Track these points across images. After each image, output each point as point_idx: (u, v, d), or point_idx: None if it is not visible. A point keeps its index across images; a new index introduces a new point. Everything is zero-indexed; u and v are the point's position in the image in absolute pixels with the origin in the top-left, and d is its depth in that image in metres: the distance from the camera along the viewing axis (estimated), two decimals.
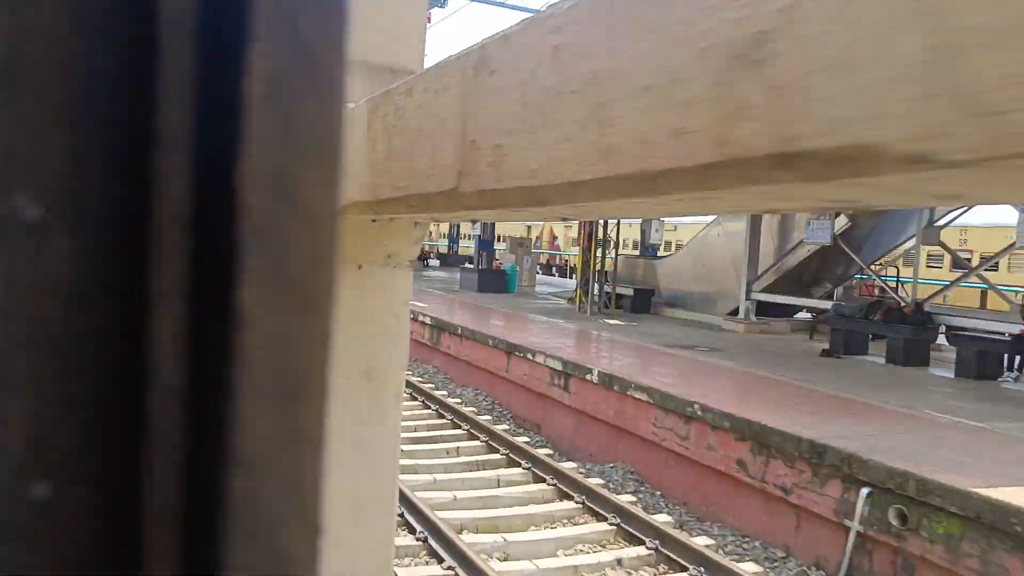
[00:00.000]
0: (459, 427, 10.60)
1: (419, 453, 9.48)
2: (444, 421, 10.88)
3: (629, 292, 18.31)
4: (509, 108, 0.62)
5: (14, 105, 0.23)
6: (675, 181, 0.45)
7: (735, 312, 16.16)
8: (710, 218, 29.03)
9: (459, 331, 13.75)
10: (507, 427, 10.90)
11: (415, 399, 11.98)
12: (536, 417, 11.30)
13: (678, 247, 28.92)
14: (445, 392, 12.86)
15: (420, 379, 13.79)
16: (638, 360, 11.03)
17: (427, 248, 35.70)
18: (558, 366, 10.59)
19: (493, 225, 21.63)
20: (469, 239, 53.61)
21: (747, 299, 15.17)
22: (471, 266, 23.71)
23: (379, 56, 1.27)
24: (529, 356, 11.33)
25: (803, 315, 17.46)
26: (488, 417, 11.35)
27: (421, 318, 15.50)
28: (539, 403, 11.23)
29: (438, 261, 37.61)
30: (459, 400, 12.30)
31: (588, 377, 9.86)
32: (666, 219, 23.97)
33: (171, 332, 0.25)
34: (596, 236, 17.42)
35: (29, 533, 0.24)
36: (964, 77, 0.29)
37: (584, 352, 11.44)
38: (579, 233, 20.14)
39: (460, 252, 40.55)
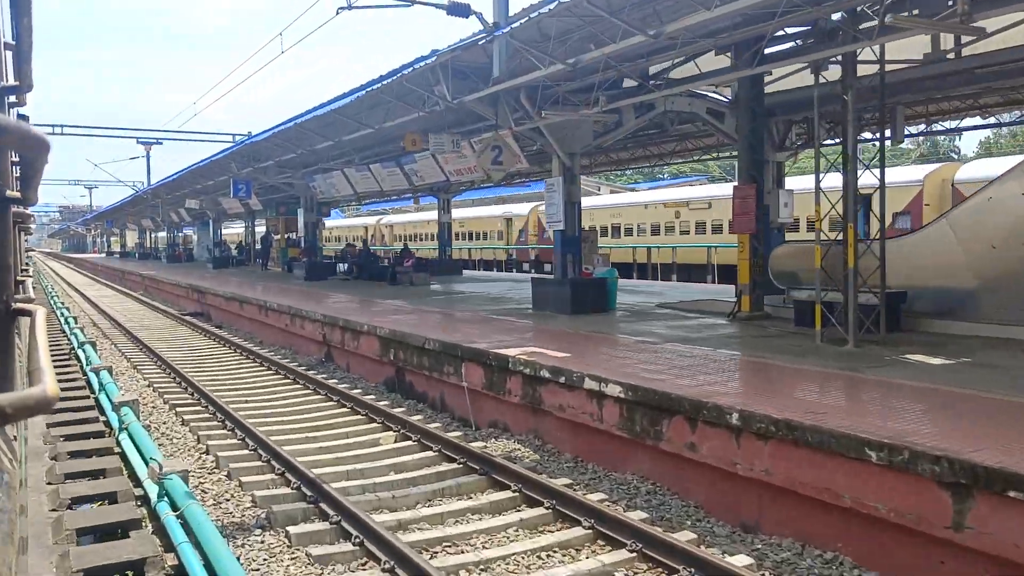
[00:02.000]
0: None
1: None
2: None
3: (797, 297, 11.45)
4: None
5: None
6: None
7: None
8: (973, 172, 21.07)
9: (731, 418, 6.58)
10: None
11: None
12: None
13: (810, 225, 22.07)
14: (749, 561, 5.72)
15: (639, 513, 6.57)
16: None
17: (411, 253, 27.95)
18: None
19: (579, 212, 14.39)
20: (475, 239, 45.53)
21: None
22: (550, 276, 16.39)
23: None
24: None
25: None
26: None
27: (589, 384, 8.22)
28: None
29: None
30: None
31: None
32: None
33: None
34: (868, 207, 10.44)
35: None
36: None
37: None
38: (737, 210, 13.18)
39: (454, 257, 33.00)
